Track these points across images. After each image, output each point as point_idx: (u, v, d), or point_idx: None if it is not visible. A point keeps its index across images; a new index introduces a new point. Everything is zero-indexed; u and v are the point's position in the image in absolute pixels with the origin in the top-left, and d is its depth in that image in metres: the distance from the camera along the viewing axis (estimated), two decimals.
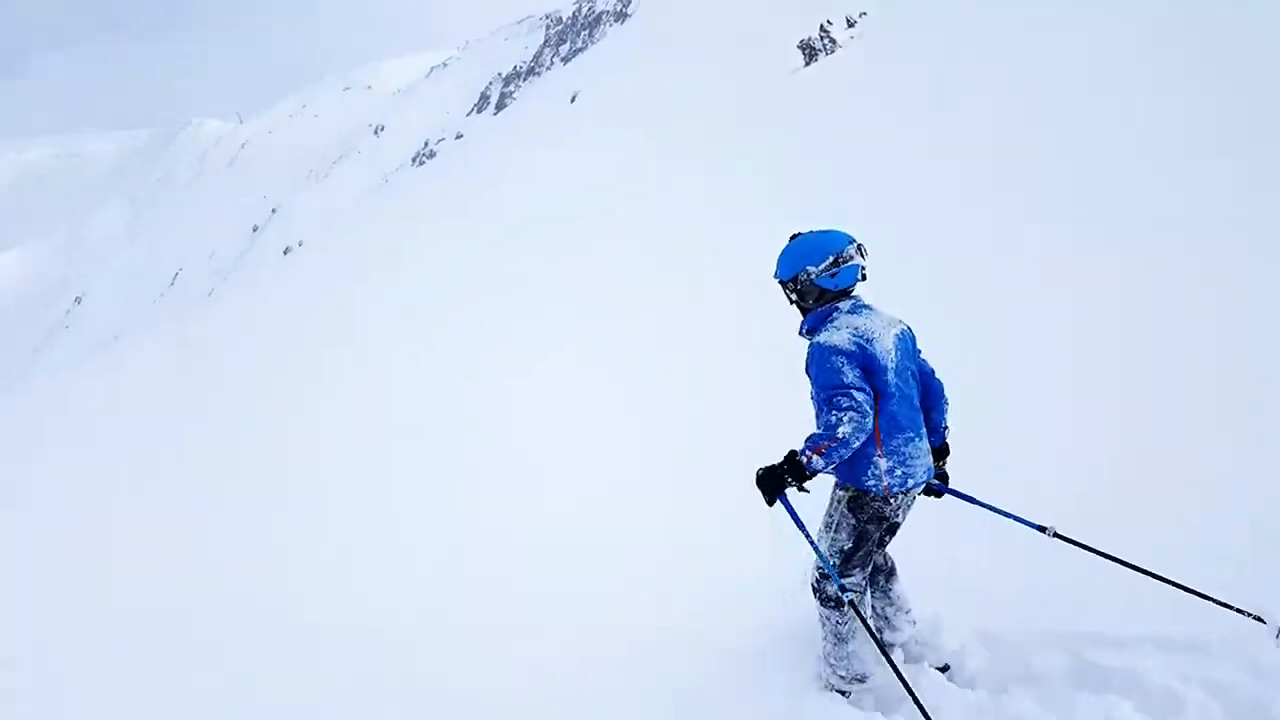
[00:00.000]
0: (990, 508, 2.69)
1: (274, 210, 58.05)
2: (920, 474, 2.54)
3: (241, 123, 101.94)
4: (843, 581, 2.53)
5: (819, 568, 2.62)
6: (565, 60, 37.12)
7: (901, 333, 2.56)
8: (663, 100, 19.77)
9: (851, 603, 2.48)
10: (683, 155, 14.19)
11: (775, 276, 2.69)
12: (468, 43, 74.15)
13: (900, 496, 2.53)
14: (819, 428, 2.39)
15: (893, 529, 2.67)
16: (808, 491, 2.45)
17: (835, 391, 2.38)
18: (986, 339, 5.34)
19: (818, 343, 2.48)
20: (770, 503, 2.45)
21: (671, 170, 13.48)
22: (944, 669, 2.71)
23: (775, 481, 2.41)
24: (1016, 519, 2.61)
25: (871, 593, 2.82)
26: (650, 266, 9.98)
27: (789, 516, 2.55)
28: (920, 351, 2.68)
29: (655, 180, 13.65)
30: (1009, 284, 6.15)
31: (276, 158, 73.17)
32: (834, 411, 2.35)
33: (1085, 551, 2.62)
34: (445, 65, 59.43)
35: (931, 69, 12.77)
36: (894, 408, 2.48)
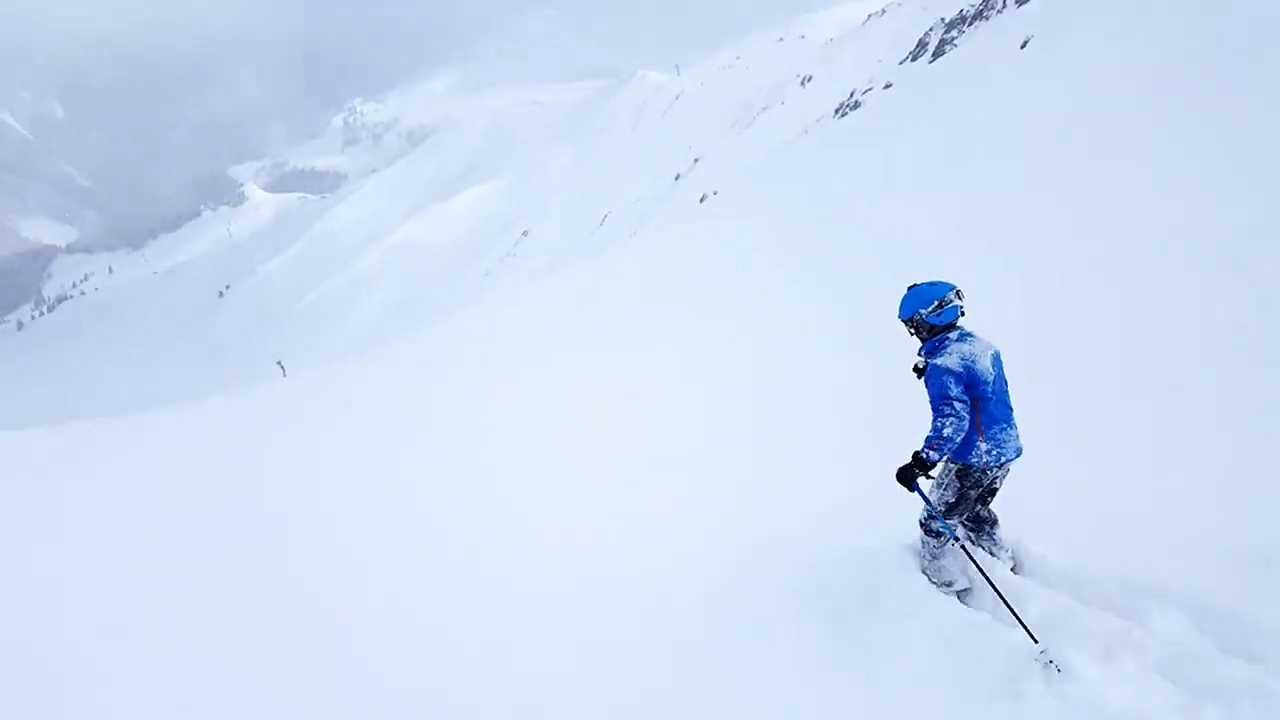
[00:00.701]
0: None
1: (696, 160, 65.34)
2: (1010, 453, 3.89)
3: (679, 75, 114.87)
4: (946, 522, 3.96)
5: (927, 510, 4.06)
6: (1020, 2, 36.36)
7: (995, 353, 3.90)
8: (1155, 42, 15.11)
9: (955, 537, 3.95)
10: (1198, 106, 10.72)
11: (898, 316, 4.13)
12: None
13: (994, 469, 3.91)
14: (931, 429, 3.72)
15: (992, 491, 4.07)
16: (932, 478, 3.95)
17: (942, 401, 3.71)
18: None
19: (934, 364, 3.81)
20: (910, 489, 3.79)
21: (1183, 126, 10.53)
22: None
23: (909, 474, 3.74)
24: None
25: (979, 538, 4.29)
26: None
27: (921, 497, 3.98)
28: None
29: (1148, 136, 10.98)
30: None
31: (705, 109, 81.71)
32: (940, 417, 3.70)
33: None
34: (883, 12, 61.40)
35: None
36: (992, 408, 3.83)
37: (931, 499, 4.05)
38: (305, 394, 17.38)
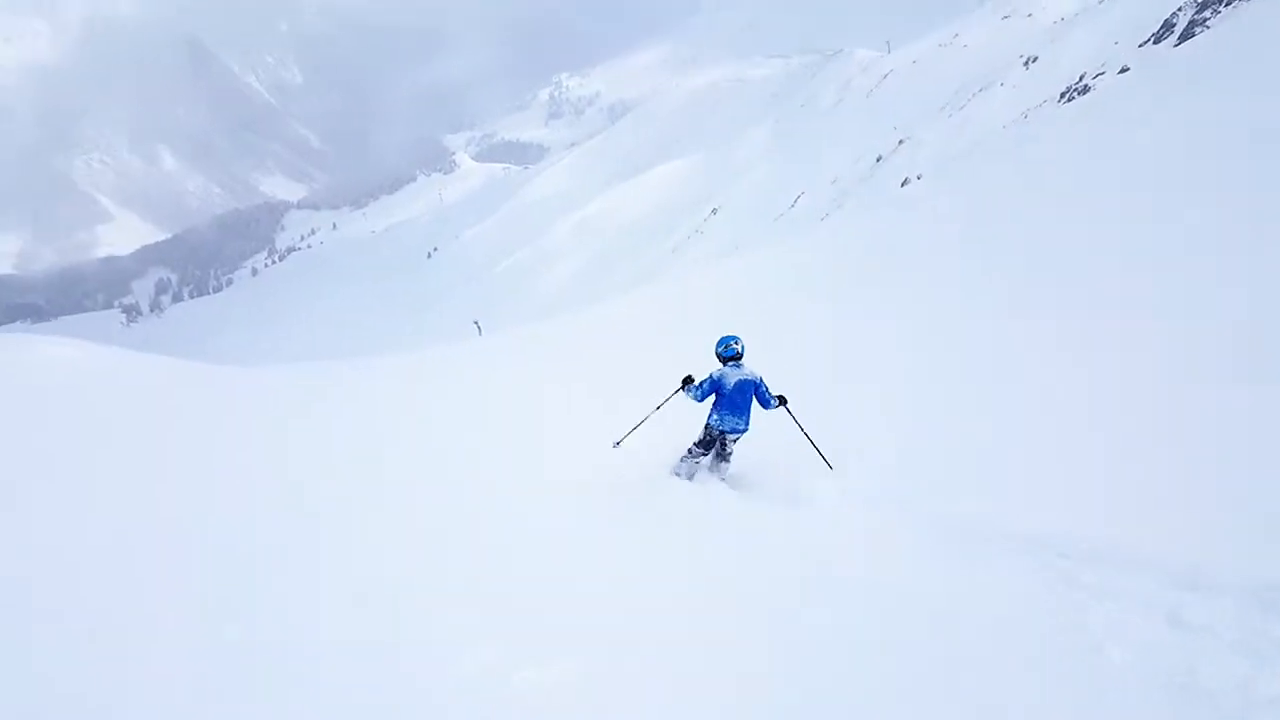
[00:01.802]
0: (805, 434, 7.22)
1: (900, 141, 62.79)
2: (728, 427, 7.01)
3: (889, 52, 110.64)
4: (692, 449, 7.31)
5: (696, 444, 7.25)
6: None
7: (743, 380, 6.93)
8: None
9: (697, 458, 7.31)
10: None
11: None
12: None
13: (717, 431, 7.07)
14: (694, 389, 7.05)
15: (724, 445, 7.19)
16: (681, 392, 7.29)
17: (696, 387, 7.02)
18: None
19: (710, 373, 7.04)
20: (680, 389, 7.20)
21: None
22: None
23: (684, 383, 7.12)
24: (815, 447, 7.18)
25: (714, 464, 7.34)
26: None
27: (674, 396, 7.68)
28: (762, 381, 6.99)
29: None
30: None
31: (916, 88, 78.18)
32: (698, 387, 7.00)
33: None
34: None
35: None
36: (724, 403, 6.95)
37: (695, 440, 7.34)
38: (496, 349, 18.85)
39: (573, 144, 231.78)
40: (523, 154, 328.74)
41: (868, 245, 19.00)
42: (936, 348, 9.90)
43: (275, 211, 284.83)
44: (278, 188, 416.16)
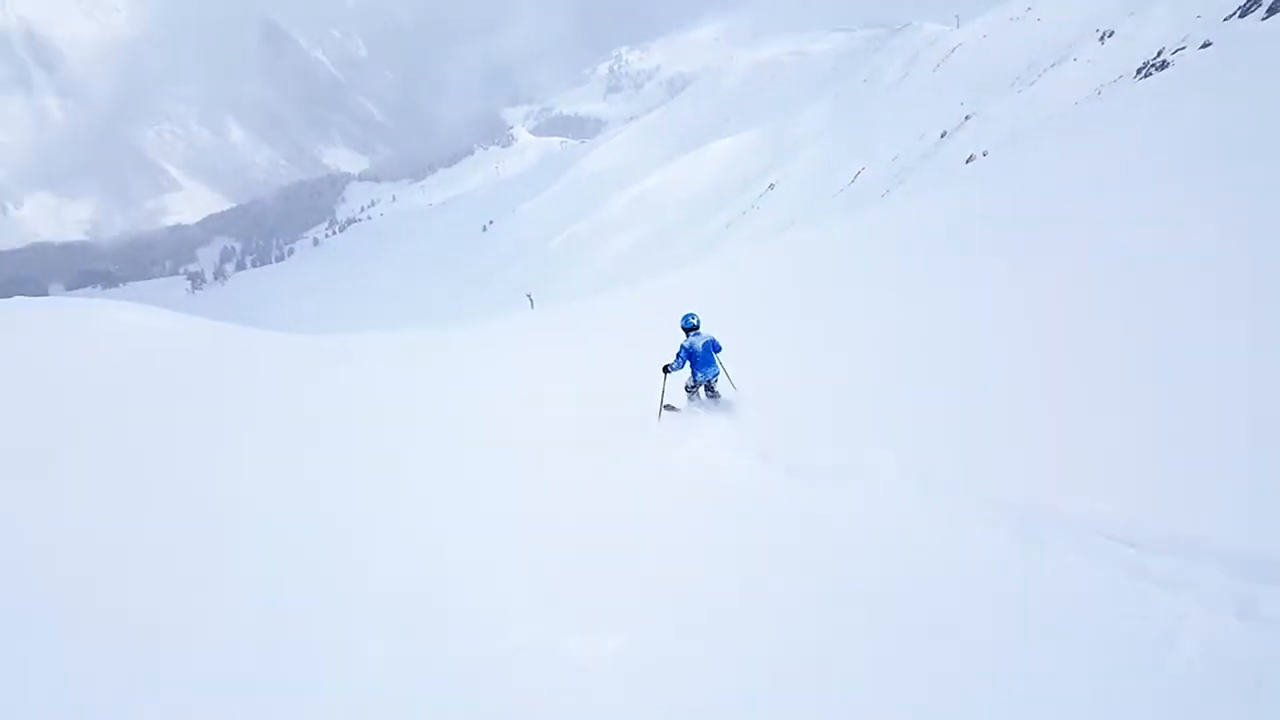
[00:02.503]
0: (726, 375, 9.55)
1: (967, 117, 61.02)
2: (706, 377, 9.30)
3: (958, 26, 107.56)
4: (688, 391, 9.63)
5: (687, 385, 9.57)
6: None
7: (706, 341, 9.24)
8: None
9: (693, 395, 9.63)
10: None
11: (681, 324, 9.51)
12: None
13: (702, 380, 9.35)
14: (673, 361, 9.21)
15: (710, 386, 9.46)
16: (668, 375, 9.35)
17: (676, 356, 9.20)
18: None
19: (681, 345, 9.29)
20: (666, 375, 9.31)
21: None
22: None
23: (664, 370, 9.26)
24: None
25: (707, 396, 9.52)
26: None
27: (667, 381, 9.44)
28: (716, 340, 9.33)
29: None
30: None
31: (984, 63, 75.83)
32: (676, 359, 9.20)
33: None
34: None
35: None
36: (698, 361, 9.20)
37: (685, 382, 9.60)
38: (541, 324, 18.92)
39: (631, 118, 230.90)
40: (580, 128, 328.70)
41: (930, 221, 18.31)
42: (997, 326, 9.50)
43: (337, 183, 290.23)
44: (341, 160, 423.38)
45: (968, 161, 46.93)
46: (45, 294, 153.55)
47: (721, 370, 9.46)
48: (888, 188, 56.69)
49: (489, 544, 6.13)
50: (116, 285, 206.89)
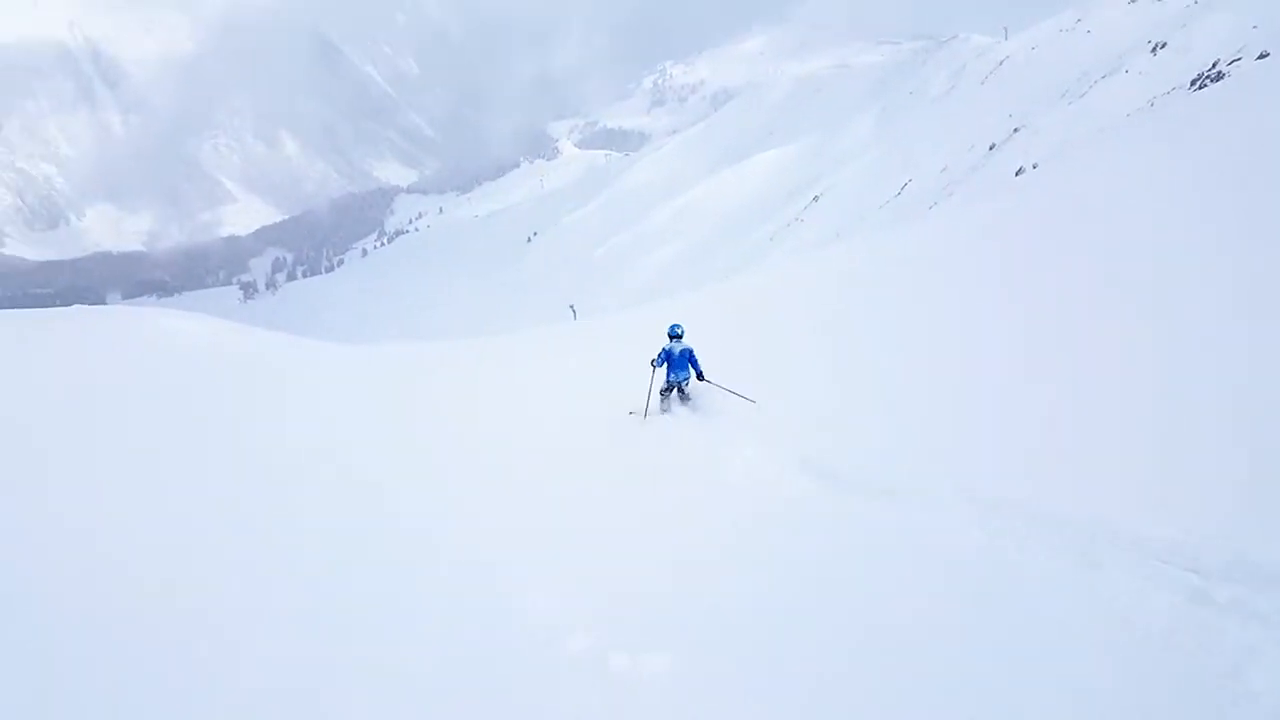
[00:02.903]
0: (717, 384, 10.77)
1: (1015, 129, 60.31)
2: (673, 378, 10.99)
3: (1006, 38, 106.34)
4: (662, 396, 11.11)
5: (663, 390, 11.09)
6: None
7: (682, 349, 10.88)
8: None
9: (666, 398, 11.13)
10: None
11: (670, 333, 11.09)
12: None
13: (674, 382, 11.03)
14: (655, 359, 10.94)
15: (681, 390, 11.15)
16: (654, 369, 11.02)
17: (659, 354, 10.90)
18: None
19: (663, 347, 10.94)
20: (652, 369, 10.99)
21: None
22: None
23: (652, 365, 10.98)
24: (732, 391, 10.39)
25: (681, 400, 11.17)
26: None
27: (654, 375, 11.08)
28: (693, 352, 10.94)
29: None
30: None
31: (1033, 75, 74.84)
32: (657, 357, 10.86)
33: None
34: None
35: None
36: (671, 365, 10.90)
37: (661, 385, 11.06)
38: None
39: (674, 131, 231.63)
40: (624, 141, 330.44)
41: (979, 233, 18.01)
42: (1053, 342, 9.10)
43: (386, 196, 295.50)
44: (390, 173, 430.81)
45: (1017, 173, 46.36)
46: (103, 302, 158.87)
47: (691, 379, 11.09)
48: (935, 200, 56.19)
49: (539, 552, 6.21)
50: (172, 294, 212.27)
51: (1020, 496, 5.58)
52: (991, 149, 61.01)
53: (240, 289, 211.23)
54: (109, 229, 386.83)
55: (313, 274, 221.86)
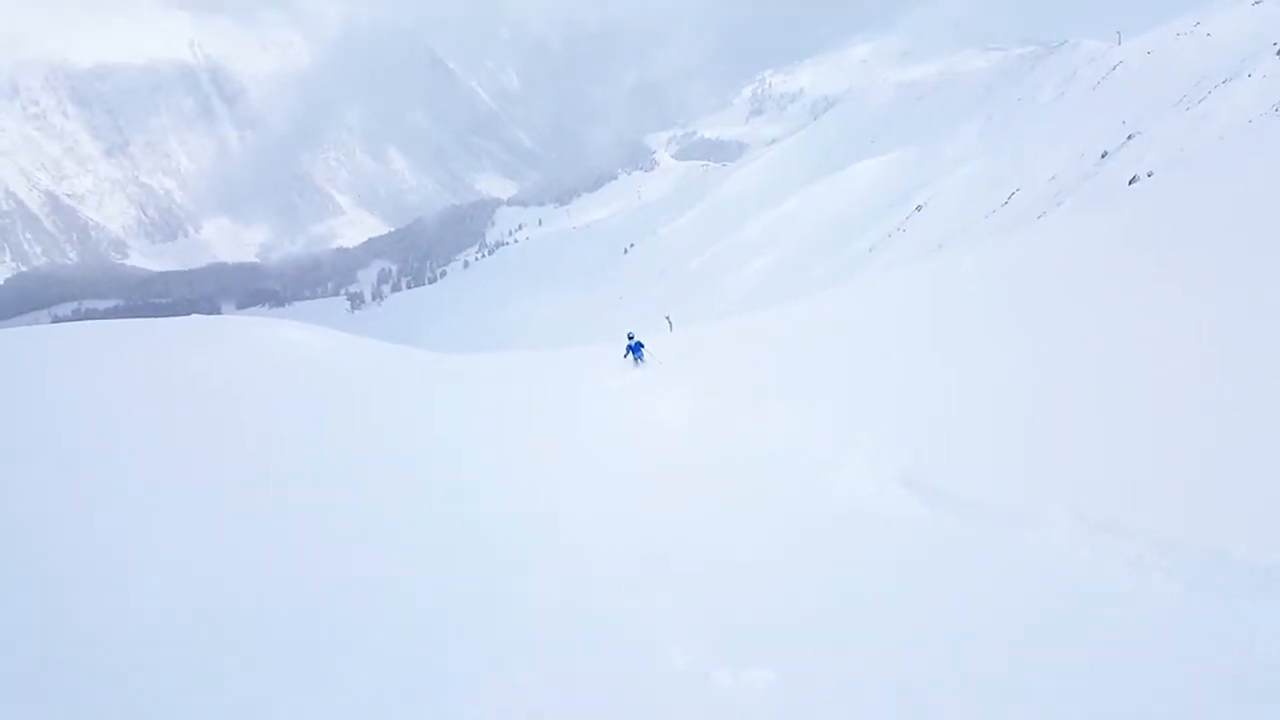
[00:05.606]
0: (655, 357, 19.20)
1: (1129, 137, 58.58)
2: (636, 358, 19.06)
3: (1119, 43, 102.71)
4: (639, 357, 19.26)
5: (637, 360, 19.17)
6: None
7: (637, 342, 19.49)
8: None
9: (639, 359, 19.32)
10: None
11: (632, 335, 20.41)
12: None
13: (636, 358, 19.13)
14: (631, 349, 19.66)
15: (638, 360, 18.99)
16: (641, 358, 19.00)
17: (629, 350, 19.49)
18: None
19: (628, 345, 19.76)
20: (633, 347, 19.42)
21: None
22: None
23: (635, 348, 19.49)
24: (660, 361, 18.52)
25: (635, 364, 18.99)
26: None
27: (635, 354, 19.36)
28: (641, 344, 19.53)
29: None
30: None
31: (1148, 80, 72.32)
32: (627, 349, 19.59)
33: None
34: None
35: None
36: (632, 350, 19.34)
37: (641, 356, 19.20)
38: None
39: (773, 140, 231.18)
40: (722, 151, 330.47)
41: (1099, 243, 16.90)
42: (1179, 363, 8.05)
43: (487, 208, 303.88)
44: (492, 186, 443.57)
45: (1131, 182, 45.27)
46: (218, 311, 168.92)
47: (647, 357, 19.04)
48: (1045, 209, 55.14)
49: (636, 560, 6.36)
50: (282, 304, 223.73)
51: (1135, 519, 5.27)
52: (1104, 157, 59.49)
53: (348, 299, 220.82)
54: (225, 241, 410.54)
55: (416, 285, 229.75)
